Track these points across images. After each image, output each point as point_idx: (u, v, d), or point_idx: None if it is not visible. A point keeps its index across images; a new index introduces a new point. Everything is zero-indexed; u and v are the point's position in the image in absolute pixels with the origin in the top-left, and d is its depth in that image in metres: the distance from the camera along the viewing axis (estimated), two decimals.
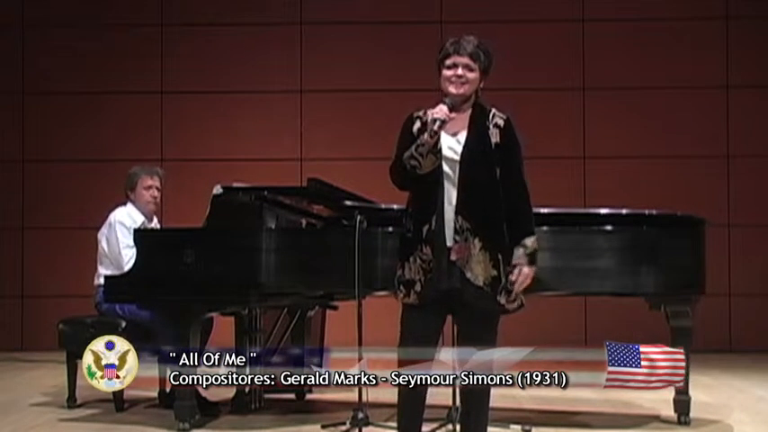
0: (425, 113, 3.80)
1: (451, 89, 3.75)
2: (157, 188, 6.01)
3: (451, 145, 3.72)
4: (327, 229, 5.59)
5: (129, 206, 5.97)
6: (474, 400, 3.79)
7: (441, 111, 3.66)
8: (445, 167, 3.70)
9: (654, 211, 5.24)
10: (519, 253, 3.71)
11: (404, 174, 3.73)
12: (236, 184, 5.39)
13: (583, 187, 8.93)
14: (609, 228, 5.15)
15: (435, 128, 3.62)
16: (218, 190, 5.30)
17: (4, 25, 9.25)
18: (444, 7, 9.11)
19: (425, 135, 3.66)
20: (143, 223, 5.87)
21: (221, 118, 9.10)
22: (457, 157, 3.70)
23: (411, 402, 3.80)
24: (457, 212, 3.67)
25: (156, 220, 6.11)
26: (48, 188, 9.09)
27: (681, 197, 8.26)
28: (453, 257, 3.66)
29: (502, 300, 3.69)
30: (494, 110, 3.82)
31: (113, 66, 9.15)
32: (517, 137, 3.81)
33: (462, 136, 3.73)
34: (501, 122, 3.78)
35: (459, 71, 3.74)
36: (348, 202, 5.18)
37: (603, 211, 5.31)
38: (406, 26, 9.13)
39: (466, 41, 3.77)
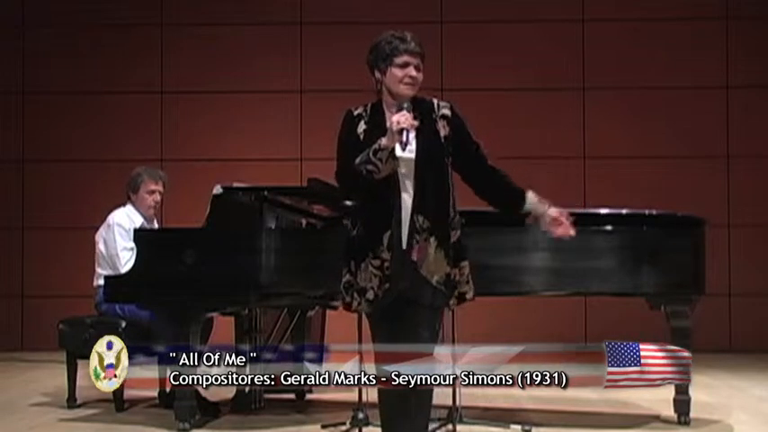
0: (366, 112, 3.69)
1: (407, 91, 3.59)
2: (160, 192, 5.99)
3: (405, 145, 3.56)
4: (327, 229, 5.59)
5: (129, 207, 5.95)
6: (415, 400, 3.57)
7: (407, 119, 3.46)
8: (401, 168, 3.56)
9: (654, 211, 5.24)
10: (535, 201, 3.58)
11: (359, 180, 3.55)
12: (236, 184, 5.39)
13: (583, 187, 8.93)
14: (609, 228, 5.15)
15: (404, 139, 3.43)
16: (218, 190, 5.30)
17: (4, 25, 9.25)
18: (444, 7, 9.11)
19: (384, 140, 3.48)
20: (142, 224, 5.86)
21: (221, 118, 9.10)
22: (413, 156, 3.55)
23: (396, 411, 3.60)
24: (417, 212, 3.54)
25: (155, 220, 6.10)
26: (48, 188, 9.09)
27: (681, 197, 8.27)
28: (414, 258, 3.53)
29: (455, 294, 3.58)
30: (435, 100, 3.69)
31: (113, 66, 9.15)
32: (464, 120, 3.68)
33: (413, 134, 3.54)
34: (448, 112, 3.65)
35: (413, 72, 3.60)
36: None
37: (603, 211, 5.31)
38: (406, 26, 8.98)
39: (413, 40, 3.62)
